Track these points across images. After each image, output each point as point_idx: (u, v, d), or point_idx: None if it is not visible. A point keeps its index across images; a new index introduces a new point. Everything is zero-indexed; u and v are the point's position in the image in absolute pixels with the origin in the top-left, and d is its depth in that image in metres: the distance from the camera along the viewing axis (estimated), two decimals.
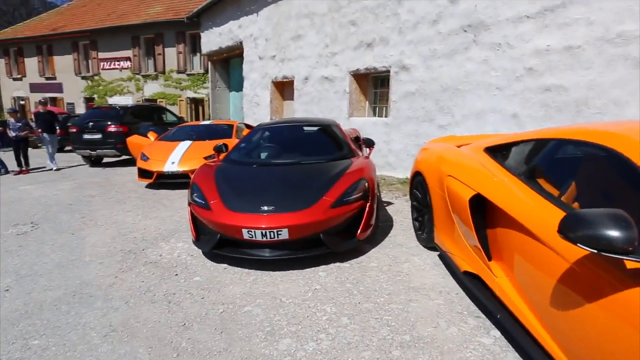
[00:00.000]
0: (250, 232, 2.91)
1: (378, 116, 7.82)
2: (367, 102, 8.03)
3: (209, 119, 13.54)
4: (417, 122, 6.45)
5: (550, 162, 2.15)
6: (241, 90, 12.25)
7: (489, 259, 2.23)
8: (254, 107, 11.19)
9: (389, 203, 5.01)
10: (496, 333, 2.12)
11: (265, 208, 3.01)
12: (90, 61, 18.74)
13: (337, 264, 3.10)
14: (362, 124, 7.47)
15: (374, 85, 7.96)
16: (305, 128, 4.76)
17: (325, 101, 8.38)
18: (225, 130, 7.57)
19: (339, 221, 3.08)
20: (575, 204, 1.73)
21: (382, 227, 3.92)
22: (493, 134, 4.10)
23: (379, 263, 3.10)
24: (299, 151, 4.15)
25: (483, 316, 2.29)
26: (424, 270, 2.96)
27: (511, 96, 5.16)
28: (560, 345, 1.58)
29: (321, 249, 3.03)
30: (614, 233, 1.21)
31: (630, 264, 1.28)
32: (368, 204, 3.25)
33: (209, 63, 14.17)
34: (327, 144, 4.35)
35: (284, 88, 10.41)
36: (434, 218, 3.03)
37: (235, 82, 13.85)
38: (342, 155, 3.96)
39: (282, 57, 9.56)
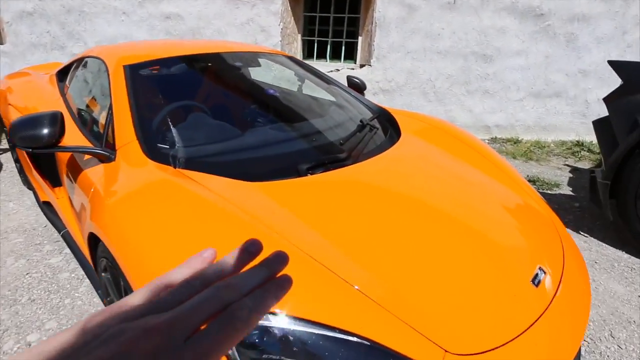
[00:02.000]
0: None
1: None
2: None
3: None
4: (46, 50, 5.45)
5: (74, 81, 2.27)
6: None
7: (54, 185, 2.23)
8: None
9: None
10: (68, 251, 2.24)
11: None
12: None
13: None
14: None
15: None
16: None
17: None
18: None
19: None
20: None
21: None
22: None
23: None
24: None
25: (62, 239, 2.35)
26: (17, 213, 2.69)
27: (139, 22, 5.13)
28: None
29: None
30: (44, 130, 1.39)
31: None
32: None
33: None
34: None
35: None
36: (19, 156, 2.74)
37: None
38: None
39: None
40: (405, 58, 4.68)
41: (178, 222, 1.12)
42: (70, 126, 2.01)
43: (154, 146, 1.47)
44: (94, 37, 5.27)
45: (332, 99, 2.37)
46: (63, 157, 1.89)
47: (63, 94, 2.44)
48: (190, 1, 4.92)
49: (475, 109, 4.73)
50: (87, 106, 2.13)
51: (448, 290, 1.07)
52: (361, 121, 1.92)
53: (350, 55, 5.18)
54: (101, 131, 1.73)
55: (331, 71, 4.89)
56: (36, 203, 2.82)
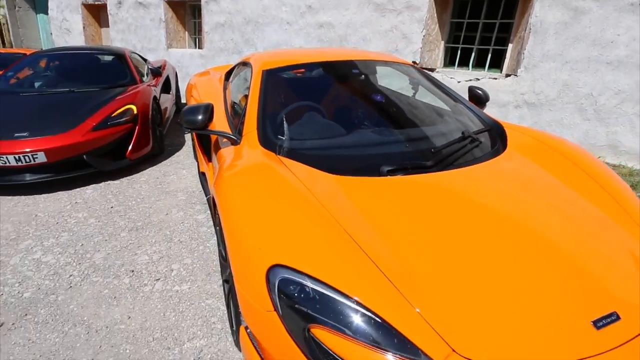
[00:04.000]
0: (2, 158, 3.00)
1: (198, 48, 7.83)
2: (187, 32, 7.90)
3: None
4: (229, 54, 6.78)
5: (234, 79, 2.86)
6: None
7: (209, 160, 2.90)
8: (64, 34, 9.74)
9: None
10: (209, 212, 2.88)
11: (18, 135, 3.09)
12: None
13: (108, 181, 3.46)
14: (180, 55, 7.43)
15: (192, 15, 7.82)
16: (89, 56, 4.65)
17: (143, 30, 7.92)
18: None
19: (104, 142, 3.38)
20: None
21: (171, 151, 4.36)
22: None
23: (148, 177, 3.58)
24: (75, 79, 4.12)
25: (207, 202, 3.02)
26: (186, 178, 3.57)
27: (298, 31, 5.89)
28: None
29: (87, 169, 3.33)
30: (198, 117, 1.90)
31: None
32: (137, 127, 3.61)
33: None
34: (106, 73, 4.40)
35: (99, 13, 9.27)
36: (193, 134, 3.60)
37: (43, 1, 11.53)
38: (119, 84, 4.11)
39: None
40: (562, 69, 4.11)
41: (263, 197, 1.43)
42: (221, 115, 2.60)
43: (267, 136, 1.83)
44: (262, 43, 6.31)
45: (445, 107, 2.37)
46: (214, 138, 2.47)
47: (225, 90, 3.12)
48: (342, 11, 5.40)
49: None
50: (237, 100, 2.69)
51: (488, 298, 1.08)
52: (462, 132, 1.92)
53: (498, 64, 4.82)
54: (239, 121, 2.21)
55: (470, 80, 4.67)
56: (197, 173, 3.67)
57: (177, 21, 7.71)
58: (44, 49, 11.33)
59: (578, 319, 1.06)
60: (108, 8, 8.38)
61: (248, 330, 1.28)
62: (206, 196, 2.84)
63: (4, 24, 13.00)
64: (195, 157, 3.93)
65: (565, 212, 1.46)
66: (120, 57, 4.64)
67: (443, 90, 2.46)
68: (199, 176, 3.30)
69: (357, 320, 1.03)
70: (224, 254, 1.75)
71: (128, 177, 3.57)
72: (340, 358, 1.00)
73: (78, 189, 3.30)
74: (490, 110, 4.55)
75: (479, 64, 4.96)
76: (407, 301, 1.06)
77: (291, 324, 1.08)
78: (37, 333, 1.74)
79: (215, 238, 2.48)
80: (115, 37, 8.46)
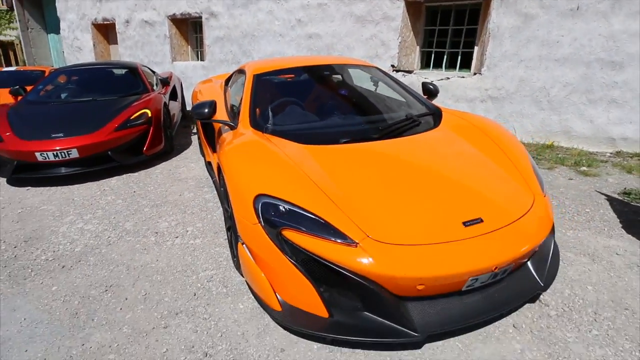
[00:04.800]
0: (42, 155, 3.63)
1: (201, 60, 8.52)
2: (190, 46, 8.61)
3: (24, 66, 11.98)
4: (228, 65, 7.45)
5: (232, 84, 3.49)
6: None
7: (214, 151, 3.52)
8: (76, 52, 10.48)
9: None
10: (216, 192, 3.48)
11: (54, 135, 3.73)
12: None
13: (129, 174, 4.08)
14: (184, 67, 8.12)
15: (194, 30, 8.53)
16: (106, 70, 5.32)
17: (149, 45, 8.62)
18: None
19: (124, 141, 4.01)
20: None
21: (179, 149, 4.99)
22: None
23: (162, 170, 4.19)
24: (96, 90, 4.78)
25: (213, 185, 3.63)
26: (194, 169, 4.18)
27: (289, 42, 6.56)
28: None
29: (112, 163, 3.96)
30: (205, 109, 2.52)
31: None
32: (152, 128, 4.24)
33: None
34: (122, 84, 5.06)
35: (107, 31, 10.01)
36: (198, 130, 4.24)
37: (53, 22, 12.34)
38: (134, 92, 4.76)
39: None
40: (518, 66, 4.72)
41: (252, 157, 2.04)
42: (223, 112, 3.23)
43: (256, 120, 2.46)
44: (258, 53, 6.98)
45: (400, 99, 2.99)
46: (217, 129, 3.09)
47: (225, 92, 3.76)
48: (327, 23, 6.06)
49: (598, 120, 4.40)
50: (235, 100, 3.31)
51: (395, 208, 1.69)
52: (406, 115, 2.53)
53: (468, 65, 5.43)
54: (236, 113, 2.84)
55: (441, 79, 5.29)
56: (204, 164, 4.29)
57: (180, 36, 8.41)
58: (54, 66, 12.10)
59: (453, 220, 1.66)
60: (116, 27, 9.12)
61: (243, 244, 1.87)
62: (212, 179, 3.45)
63: (17, 44, 13.85)
64: (201, 153, 4.55)
65: (463, 158, 2.08)
66: (133, 70, 5.31)
67: (400, 86, 3.08)
68: (206, 166, 3.91)
69: (309, 223, 1.63)
70: (227, 207, 2.36)
71: (145, 170, 4.18)
72: (300, 246, 1.60)
73: (104, 180, 3.92)
74: (459, 105, 5.17)
75: (453, 65, 5.59)
76: (341, 211, 1.66)
77: (269, 229, 1.68)
78: (90, 271, 2.34)
79: (221, 210, 3.08)
80: (124, 53, 9.18)
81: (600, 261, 2.17)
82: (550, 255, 1.85)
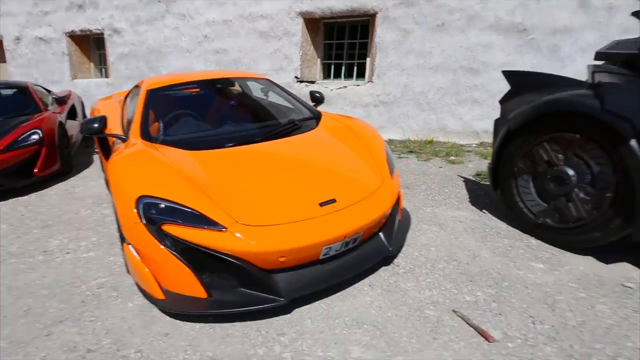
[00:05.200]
0: None
1: (105, 77, 8.18)
2: (92, 63, 8.23)
3: None
4: (135, 81, 7.23)
5: (130, 100, 3.54)
6: None
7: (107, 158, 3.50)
8: None
9: None
10: None
11: None
12: None
13: (17, 198, 3.84)
14: (86, 85, 7.74)
15: (97, 47, 8.18)
16: None
17: (45, 63, 8.07)
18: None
19: (11, 162, 3.79)
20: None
21: (79, 169, 4.79)
22: None
23: (57, 190, 4.02)
24: None
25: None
26: (94, 187, 4.07)
27: (197, 57, 6.65)
28: None
29: None
30: (95, 124, 2.57)
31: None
32: (44, 148, 4.05)
33: None
34: (10, 104, 4.75)
35: None
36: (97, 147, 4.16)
37: None
38: (26, 112, 4.51)
39: None
40: (401, 75, 5.38)
41: (136, 164, 2.17)
42: (119, 125, 3.27)
43: (146, 132, 2.59)
44: (167, 69, 6.94)
45: (288, 105, 3.30)
46: (111, 143, 3.11)
47: (122, 108, 3.76)
48: (234, 38, 6.28)
49: (465, 117, 5.18)
50: (130, 114, 3.36)
51: (261, 197, 1.95)
52: (289, 120, 2.83)
53: (363, 75, 6.01)
54: (129, 126, 2.91)
55: (340, 88, 5.79)
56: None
57: (81, 53, 8.01)
58: None
59: (311, 202, 1.97)
60: (5, 44, 8.39)
61: (129, 244, 1.99)
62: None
63: None
64: (102, 170, 4.44)
65: (328, 152, 2.43)
66: (22, 89, 5.00)
67: (288, 94, 3.39)
68: (105, 183, 3.85)
69: (186, 216, 1.81)
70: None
71: (38, 192, 3.97)
72: (178, 237, 1.78)
73: None
74: (355, 110, 5.69)
75: (351, 75, 6.13)
76: (215, 203, 1.87)
77: (149, 226, 1.83)
78: None
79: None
80: (15, 72, 8.46)
81: (446, 228, 2.65)
82: (396, 226, 2.25)
